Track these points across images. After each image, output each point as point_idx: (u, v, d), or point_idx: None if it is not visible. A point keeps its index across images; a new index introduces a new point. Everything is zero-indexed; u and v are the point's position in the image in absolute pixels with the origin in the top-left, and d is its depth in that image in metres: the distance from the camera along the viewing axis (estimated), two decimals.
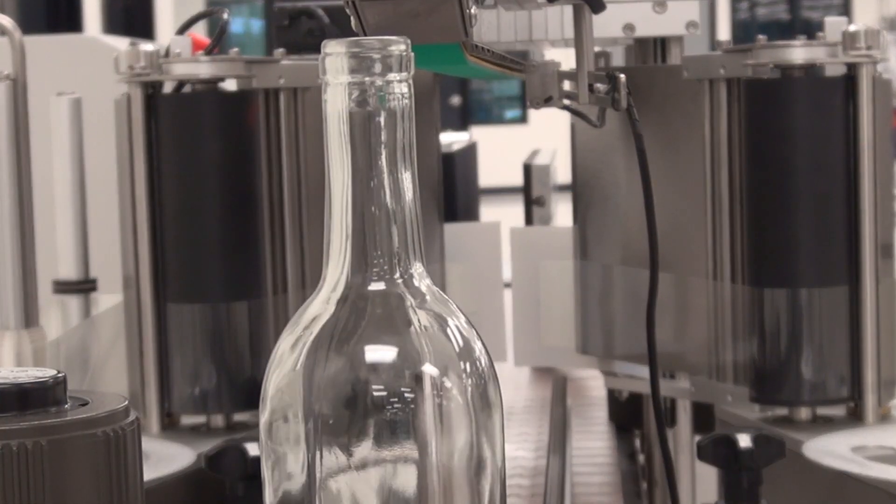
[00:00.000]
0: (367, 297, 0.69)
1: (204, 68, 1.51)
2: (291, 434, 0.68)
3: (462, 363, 0.69)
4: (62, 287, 1.88)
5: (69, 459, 0.70)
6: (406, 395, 0.67)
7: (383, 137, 0.69)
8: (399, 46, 0.68)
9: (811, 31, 1.52)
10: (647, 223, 1.34)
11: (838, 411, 1.48)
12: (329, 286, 0.70)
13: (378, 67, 0.68)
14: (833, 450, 1.34)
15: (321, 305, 0.70)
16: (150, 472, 1.32)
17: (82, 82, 2.03)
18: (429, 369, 0.68)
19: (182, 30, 1.61)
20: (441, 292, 0.71)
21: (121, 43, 2.21)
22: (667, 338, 1.54)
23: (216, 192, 1.51)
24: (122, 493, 0.72)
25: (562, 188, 2.69)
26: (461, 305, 0.72)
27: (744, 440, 1.26)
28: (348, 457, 0.67)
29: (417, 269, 0.70)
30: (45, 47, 2.23)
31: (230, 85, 1.58)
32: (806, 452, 1.35)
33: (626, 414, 1.94)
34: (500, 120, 12.92)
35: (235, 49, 1.55)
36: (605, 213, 1.68)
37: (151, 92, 1.52)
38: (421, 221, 0.71)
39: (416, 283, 0.70)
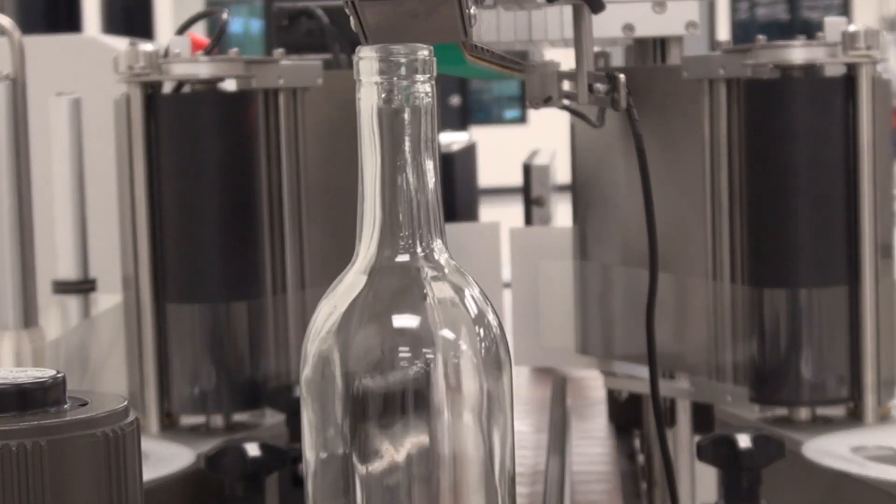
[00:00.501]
0: (394, 269, 0.79)
1: (203, 68, 1.51)
2: (329, 389, 0.77)
3: (476, 328, 0.78)
4: (62, 287, 1.88)
5: (69, 459, 0.70)
6: (427, 356, 0.77)
7: (408, 130, 0.78)
8: (423, 52, 0.78)
9: (811, 31, 1.52)
10: (646, 223, 1.34)
11: (838, 411, 1.48)
12: (361, 259, 0.80)
13: (404, 70, 0.77)
14: (833, 450, 1.34)
15: (354, 276, 0.79)
16: (150, 472, 1.32)
17: (82, 82, 2.03)
18: (447, 334, 0.77)
19: (181, 30, 1.61)
20: (458, 265, 0.80)
21: (120, 43, 2.21)
22: (667, 338, 1.54)
23: (216, 192, 1.51)
24: (121, 493, 0.72)
25: (561, 188, 2.70)
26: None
27: (743, 440, 1.26)
28: (379, 409, 0.76)
29: (438, 245, 0.79)
30: (44, 47, 2.23)
31: (230, 85, 1.58)
32: (805, 453, 1.35)
33: (625, 414, 1.94)
34: (499, 120, 12.91)
35: (235, 49, 1.54)
36: (605, 213, 1.68)
37: (151, 92, 1.52)
38: (441, 203, 0.80)
39: (436, 256, 0.79)
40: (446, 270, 0.79)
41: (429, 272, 0.79)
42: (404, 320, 0.77)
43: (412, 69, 0.78)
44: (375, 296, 0.78)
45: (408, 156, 0.78)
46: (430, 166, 0.79)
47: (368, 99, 0.78)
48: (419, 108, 0.78)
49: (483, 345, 0.78)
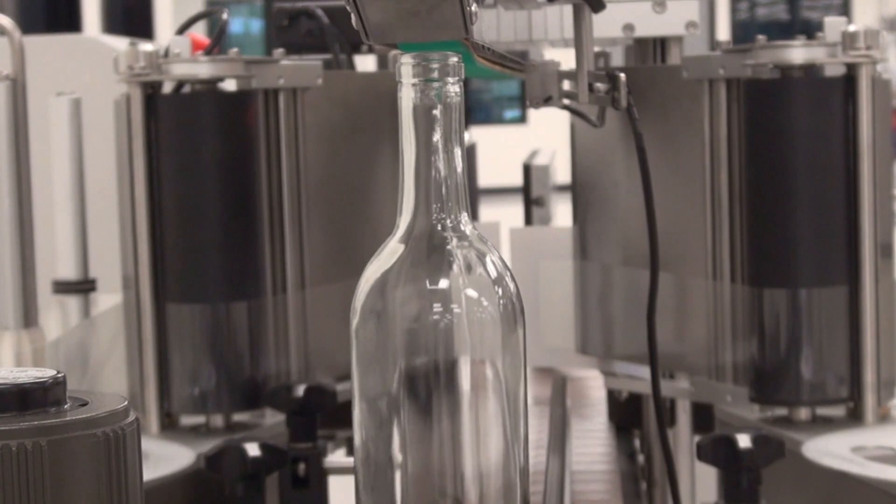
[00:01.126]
0: (427, 238, 0.92)
1: (203, 68, 1.51)
2: (374, 337, 0.91)
3: (496, 288, 0.92)
4: (62, 287, 1.88)
5: (69, 459, 0.70)
6: (456, 310, 0.90)
7: (440, 123, 0.92)
8: (453, 58, 0.92)
9: (811, 31, 1.52)
10: (647, 223, 1.34)
11: (838, 411, 1.48)
12: (400, 230, 0.93)
13: (437, 73, 0.91)
14: (832, 450, 1.34)
15: (395, 244, 0.93)
16: (150, 472, 1.32)
17: (82, 82, 2.03)
18: (471, 293, 0.91)
19: (181, 30, 1.61)
20: (482, 234, 0.93)
21: (120, 43, 2.21)
22: (667, 338, 1.54)
23: (216, 192, 1.51)
24: (121, 493, 0.72)
25: (561, 188, 2.69)
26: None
27: (743, 440, 1.26)
28: (416, 354, 0.90)
29: (464, 217, 0.94)
30: (45, 47, 2.23)
31: (229, 85, 1.58)
32: (805, 452, 1.35)
33: (625, 414, 1.94)
34: (499, 120, 12.92)
35: (235, 49, 1.54)
36: (605, 213, 1.68)
37: (151, 92, 1.52)
38: (467, 184, 0.94)
39: (462, 227, 0.93)
40: (471, 239, 0.93)
41: (456, 240, 0.92)
42: (436, 281, 0.91)
43: (444, 73, 0.91)
44: (413, 260, 0.92)
45: (439, 144, 0.92)
46: (457, 153, 0.93)
47: (407, 97, 0.92)
48: (450, 105, 0.92)
49: (501, 302, 0.92)
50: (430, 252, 0.92)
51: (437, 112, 0.92)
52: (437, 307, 0.91)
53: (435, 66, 0.91)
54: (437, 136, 0.92)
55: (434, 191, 0.93)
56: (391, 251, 0.93)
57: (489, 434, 0.92)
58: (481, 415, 0.91)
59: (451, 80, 0.92)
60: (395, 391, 0.91)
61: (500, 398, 0.92)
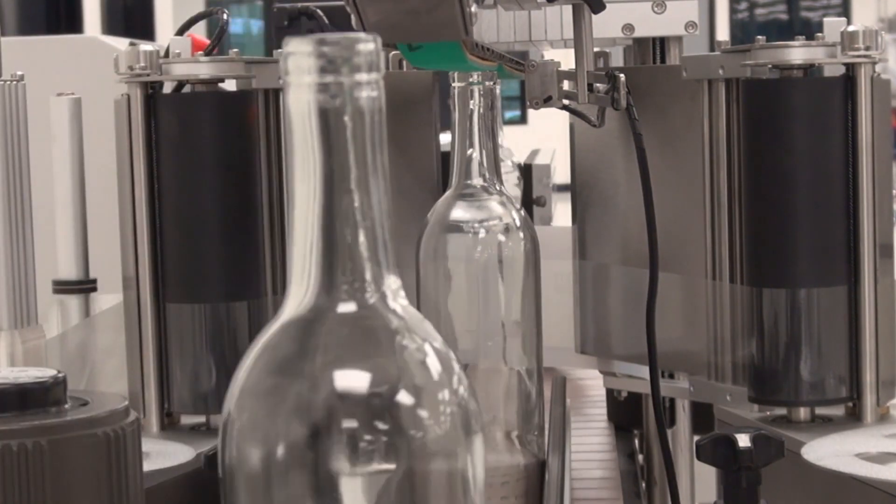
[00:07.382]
0: (336, 320, 0.63)
1: (204, 69, 1.51)
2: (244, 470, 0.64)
3: (441, 392, 0.63)
4: (62, 287, 1.88)
5: (69, 459, 0.71)
6: (379, 426, 0.61)
7: (352, 141, 0.63)
8: (367, 45, 0.62)
9: (810, 31, 1.52)
10: (646, 223, 1.34)
11: (837, 411, 1.48)
12: (293, 307, 0.64)
13: (345, 67, 0.62)
14: (832, 450, 1.34)
15: (284, 329, 0.64)
16: (150, 472, 1.32)
17: (82, 82, 2.03)
18: (404, 398, 0.62)
19: (182, 30, 1.61)
20: (417, 311, 0.65)
21: (120, 43, 2.21)
22: (666, 338, 1.54)
23: (216, 192, 1.51)
24: (122, 493, 0.73)
25: (561, 188, 2.70)
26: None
27: (743, 440, 1.26)
28: (313, 484, 0.61)
29: (391, 283, 0.64)
30: (45, 47, 2.23)
31: (230, 85, 1.58)
32: (805, 453, 1.35)
33: (625, 414, 1.94)
34: None
35: (235, 49, 1.55)
36: (605, 213, 1.68)
37: (151, 92, 1.52)
38: (391, 233, 0.65)
39: (389, 302, 0.64)
40: (396, 322, 0.63)
41: (380, 322, 0.63)
42: (348, 385, 0.61)
43: (354, 66, 0.62)
44: (310, 353, 0.63)
45: (352, 173, 0.63)
46: (379, 185, 0.64)
47: (301, 104, 0.63)
48: (363, 112, 0.63)
49: (449, 410, 0.63)
50: (338, 341, 0.62)
51: (347, 124, 0.62)
52: (349, 423, 0.60)
53: (342, 54, 0.61)
54: (348, 161, 0.62)
55: (344, 245, 0.63)
56: (278, 341, 0.63)
57: None
58: None
59: (364, 77, 0.62)
60: None
61: None
